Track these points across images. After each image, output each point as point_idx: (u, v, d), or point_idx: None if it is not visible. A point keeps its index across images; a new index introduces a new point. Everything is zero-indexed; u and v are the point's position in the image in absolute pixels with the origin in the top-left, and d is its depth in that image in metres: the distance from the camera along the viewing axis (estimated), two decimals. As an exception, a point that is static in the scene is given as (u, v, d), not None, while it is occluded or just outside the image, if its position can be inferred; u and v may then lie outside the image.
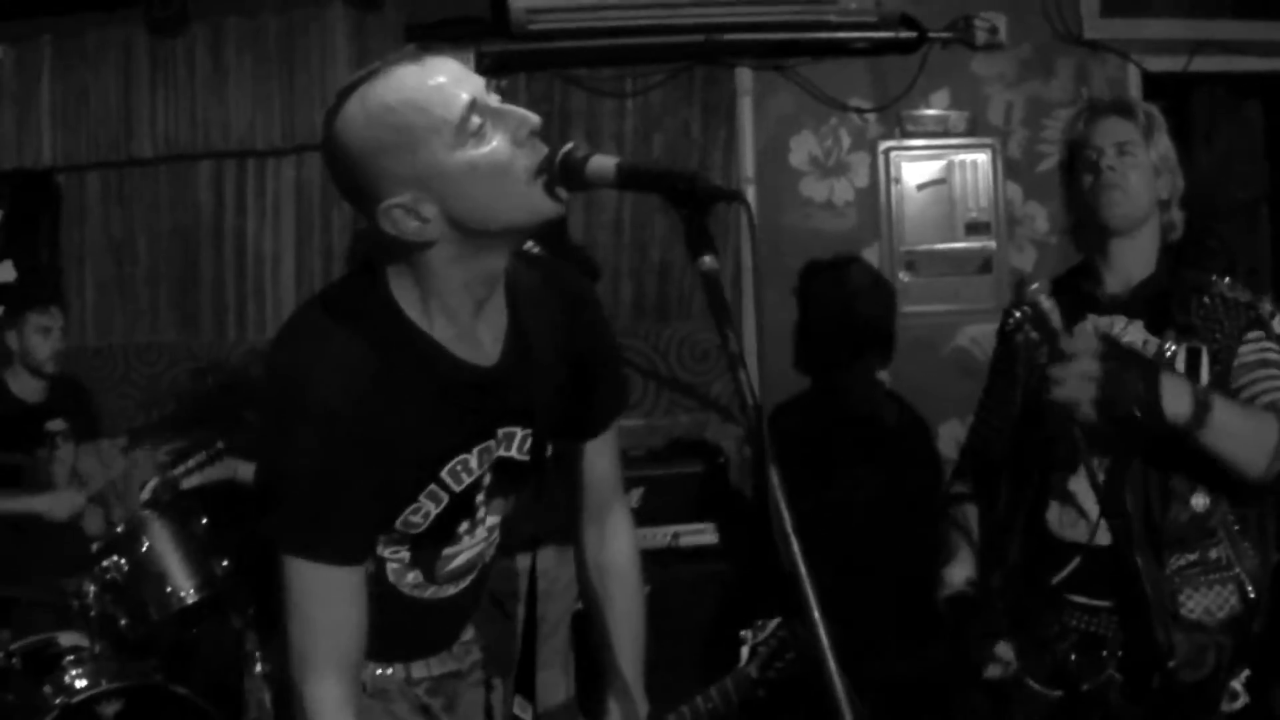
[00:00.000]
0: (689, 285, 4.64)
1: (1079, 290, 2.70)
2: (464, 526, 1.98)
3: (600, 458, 2.17)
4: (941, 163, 4.67)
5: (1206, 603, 2.52)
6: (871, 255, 4.67)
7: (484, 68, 4.27)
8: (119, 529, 3.74)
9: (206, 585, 3.71)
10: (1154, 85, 4.81)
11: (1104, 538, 2.53)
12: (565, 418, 2.05)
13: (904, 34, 4.52)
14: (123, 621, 3.67)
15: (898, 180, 4.64)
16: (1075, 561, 2.58)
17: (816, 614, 1.46)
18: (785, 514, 1.48)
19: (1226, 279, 2.61)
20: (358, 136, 1.67)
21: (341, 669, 1.82)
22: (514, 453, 1.97)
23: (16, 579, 3.86)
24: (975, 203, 4.67)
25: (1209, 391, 2.40)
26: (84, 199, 4.90)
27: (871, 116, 4.66)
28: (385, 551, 1.93)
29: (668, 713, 2.29)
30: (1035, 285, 2.46)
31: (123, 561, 3.66)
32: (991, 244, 4.69)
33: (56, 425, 4.28)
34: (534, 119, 1.70)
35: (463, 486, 1.90)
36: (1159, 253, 2.67)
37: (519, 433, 1.96)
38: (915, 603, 3.07)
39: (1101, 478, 2.52)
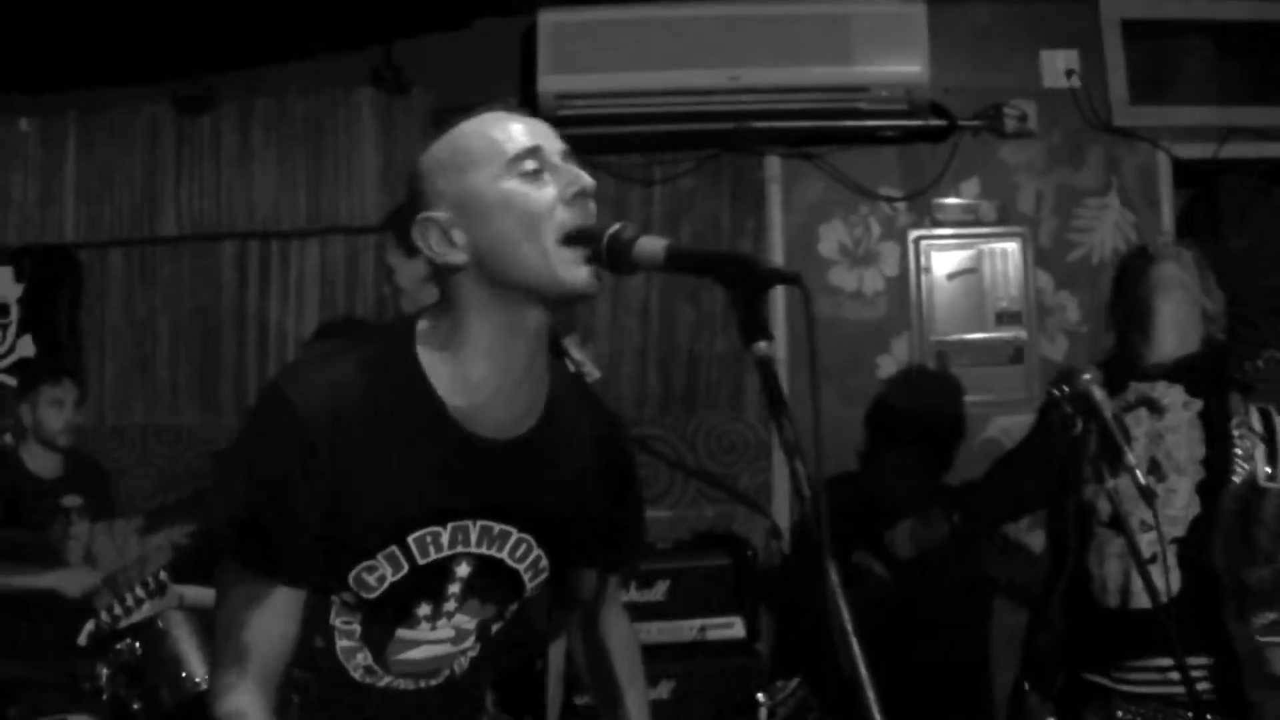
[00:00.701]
0: (717, 375, 4.63)
1: (1121, 358, 2.94)
2: (424, 610, 1.87)
3: (606, 584, 2.12)
4: (972, 251, 4.66)
5: None
6: (901, 345, 4.65)
7: None
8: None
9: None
10: (1184, 172, 4.83)
11: (1160, 595, 2.58)
12: (579, 550, 2.00)
13: (934, 122, 4.52)
14: (135, 705, 3.60)
15: (928, 269, 4.63)
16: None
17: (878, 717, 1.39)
18: (844, 611, 1.40)
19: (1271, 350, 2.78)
20: (428, 155, 1.77)
21: (266, 684, 1.73)
22: (505, 556, 1.88)
23: (26, 658, 3.82)
24: (1006, 292, 4.66)
25: None
26: (106, 276, 4.90)
27: (901, 205, 4.66)
28: (337, 621, 1.84)
29: None
30: (1088, 376, 2.62)
31: (137, 645, 3.59)
32: (1023, 334, 4.67)
33: (72, 501, 4.26)
34: (586, 180, 1.71)
35: (428, 561, 1.80)
36: (1200, 341, 2.92)
37: (514, 536, 1.87)
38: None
39: (1168, 543, 2.66)
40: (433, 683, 1.96)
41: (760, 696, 2.43)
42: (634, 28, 4.19)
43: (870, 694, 1.37)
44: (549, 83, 4.17)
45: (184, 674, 3.60)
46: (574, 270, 1.67)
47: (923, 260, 4.65)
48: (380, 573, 1.78)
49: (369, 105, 4.62)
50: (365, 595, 1.79)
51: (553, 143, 1.74)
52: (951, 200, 4.69)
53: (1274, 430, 2.76)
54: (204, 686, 3.58)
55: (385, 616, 1.84)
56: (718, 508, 4.56)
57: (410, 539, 1.78)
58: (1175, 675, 2.52)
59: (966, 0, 4.63)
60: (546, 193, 1.69)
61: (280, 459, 1.70)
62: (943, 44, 4.38)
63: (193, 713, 3.68)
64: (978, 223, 4.67)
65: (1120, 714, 2.76)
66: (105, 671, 3.56)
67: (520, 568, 1.90)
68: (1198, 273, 2.96)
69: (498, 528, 1.85)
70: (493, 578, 1.89)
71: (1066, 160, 4.74)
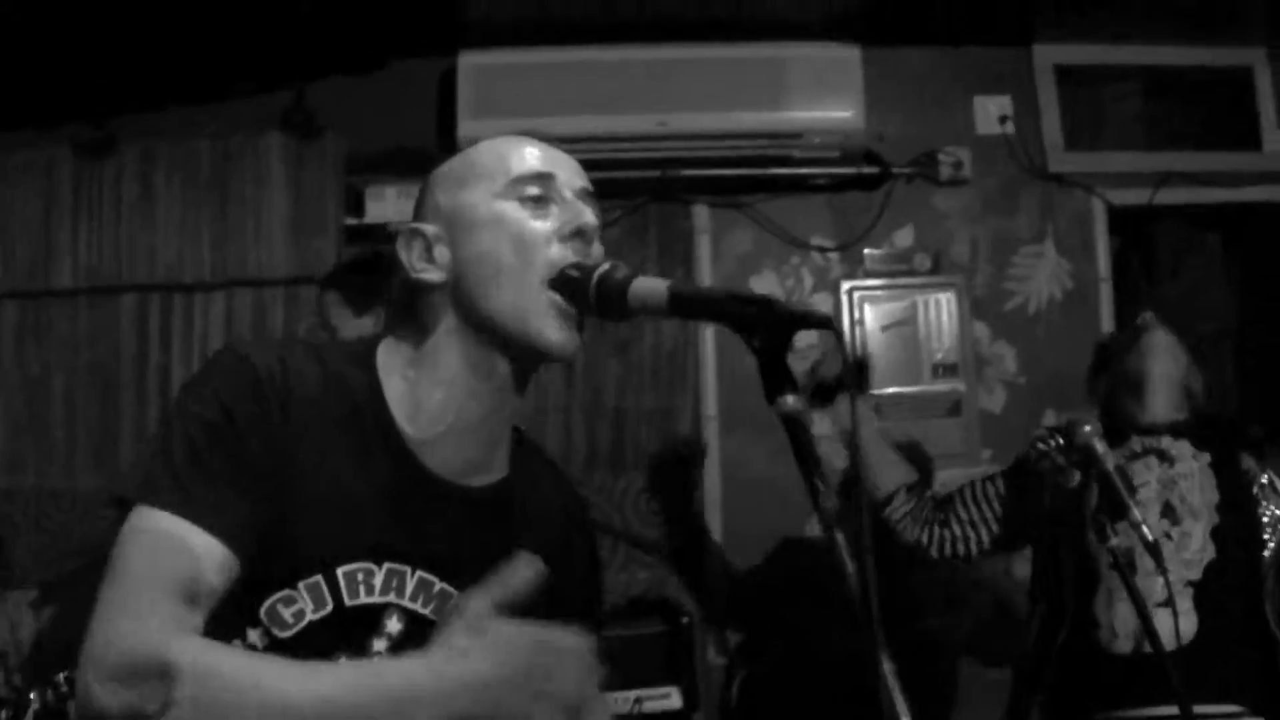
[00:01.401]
0: (645, 433, 4.47)
1: (1116, 421, 2.94)
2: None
3: None
4: (906, 302, 4.53)
5: None
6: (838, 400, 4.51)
7: None
8: (33, 701, 3.43)
9: None
10: (1119, 218, 4.78)
11: (1170, 641, 2.57)
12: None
13: (867, 170, 4.43)
14: None
15: (861, 321, 4.50)
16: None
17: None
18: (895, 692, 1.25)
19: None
20: (437, 169, 1.65)
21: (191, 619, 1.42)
22: (432, 613, 1.60)
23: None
24: (941, 343, 4.55)
25: None
26: (-1, 330, 4.64)
27: (834, 255, 4.55)
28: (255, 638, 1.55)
29: None
30: (1089, 428, 2.64)
31: None
32: (960, 386, 4.56)
33: (-46, 572, 4.02)
34: (589, 218, 1.56)
35: (355, 604, 1.54)
36: (1190, 411, 3.01)
37: (454, 599, 1.58)
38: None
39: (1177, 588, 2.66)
40: None
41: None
42: (559, 71, 4.05)
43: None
44: (469, 128, 4.00)
45: None
46: (551, 324, 1.52)
47: (856, 312, 4.53)
48: (299, 606, 1.52)
49: (278, 151, 4.41)
50: (277, 633, 1.52)
51: (572, 177, 1.60)
52: (885, 250, 4.58)
53: None
54: None
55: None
56: (650, 571, 4.40)
57: (340, 571, 1.54)
58: None
59: (900, 45, 4.52)
60: (545, 224, 1.54)
61: (232, 400, 1.49)
62: (876, 90, 4.30)
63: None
64: (911, 272, 4.57)
65: None
66: None
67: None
68: (1183, 349, 3.03)
69: (438, 585, 1.60)
70: (425, 640, 1.56)
71: (1001, 208, 4.67)
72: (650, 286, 1.44)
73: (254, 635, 1.51)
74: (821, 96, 4.11)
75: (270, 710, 1.33)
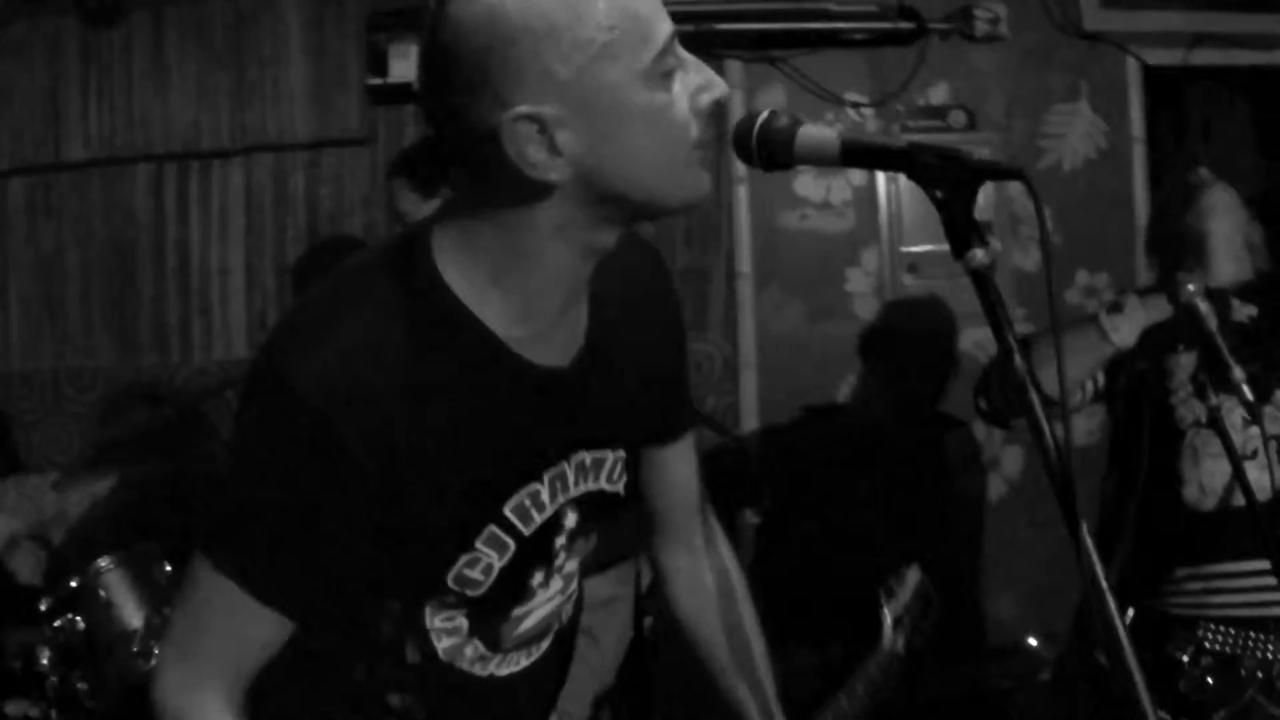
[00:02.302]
0: (681, 294, 4.41)
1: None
2: (538, 578, 1.59)
3: (682, 465, 1.81)
4: (942, 159, 4.50)
5: None
6: (871, 257, 4.50)
7: None
8: (71, 583, 3.37)
9: None
10: (1152, 78, 4.74)
11: (1263, 493, 2.50)
12: (644, 426, 1.70)
13: (902, 25, 4.37)
14: (81, 686, 3.25)
15: (896, 178, 4.46)
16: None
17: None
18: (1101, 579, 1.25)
19: None
20: (523, 8, 1.27)
21: (230, 685, 1.47)
22: (604, 484, 1.60)
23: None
24: (977, 202, 4.52)
25: None
26: (6, 208, 4.51)
27: (869, 111, 4.49)
28: (435, 621, 1.54)
29: None
30: (1192, 287, 2.58)
31: (78, 620, 3.21)
32: (995, 243, 4.53)
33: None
34: (724, 90, 1.38)
35: (533, 528, 1.51)
36: (1253, 271, 2.93)
37: (609, 457, 1.59)
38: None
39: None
40: (546, 644, 1.70)
41: (882, 597, 2.15)
42: None
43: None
44: None
45: (134, 649, 3.26)
46: (699, 178, 1.38)
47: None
48: (485, 563, 1.49)
49: (296, 11, 4.30)
50: (471, 593, 1.50)
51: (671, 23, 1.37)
52: (920, 105, 4.53)
53: None
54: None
55: (497, 602, 1.55)
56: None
57: (507, 510, 1.48)
58: (1272, 580, 2.39)
59: (937, -104, 4.47)
60: (683, 99, 1.34)
61: (299, 472, 1.36)
62: (914, -57, 4.23)
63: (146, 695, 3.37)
64: (947, 129, 4.50)
65: (1208, 643, 2.65)
66: (47, 654, 3.24)
67: (619, 488, 1.63)
68: (1241, 203, 2.94)
69: (590, 457, 1.57)
70: (595, 509, 1.62)
71: (1036, 65, 4.62)
72: (820, 136, 1.38)
73: (450, 598, 1.51)
74: (861, -53, 4.03)
75: None
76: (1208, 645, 2.64)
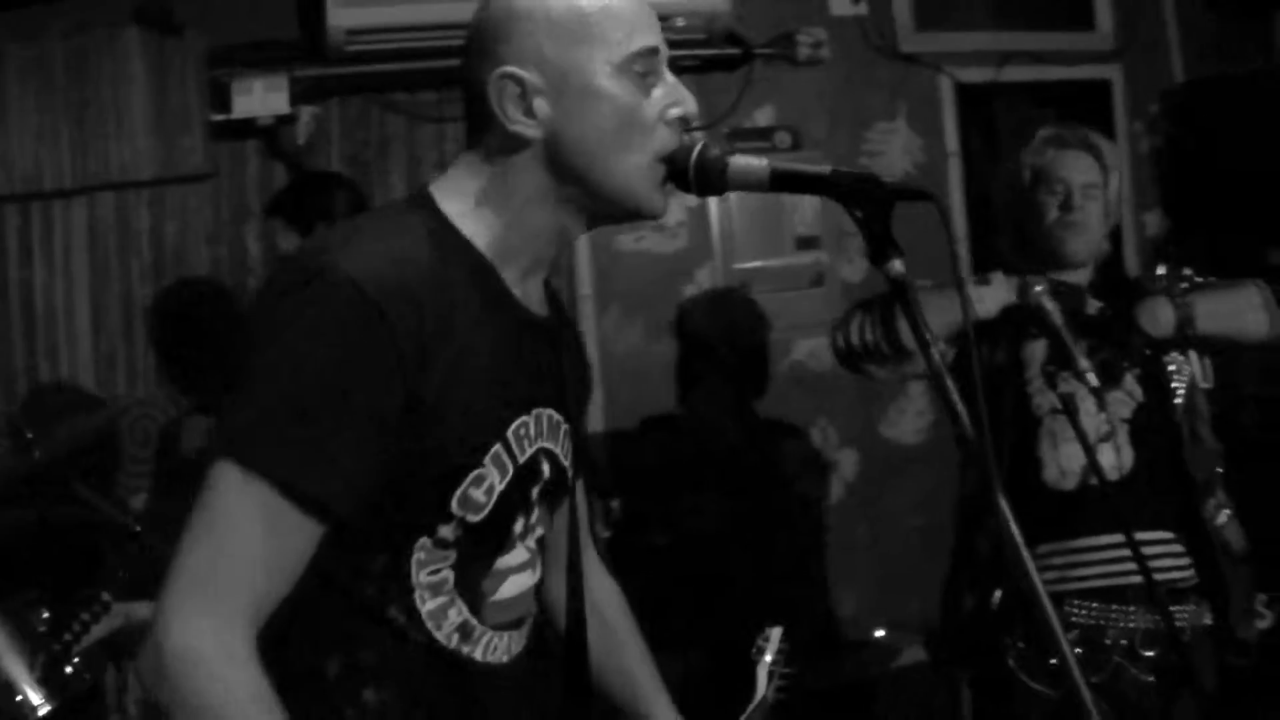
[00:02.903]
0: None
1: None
2: (519, 526, 1.66)
3: (580, 496, 1.97)
4: (770, 178, 4.72)
5: (1235, 531, 2.96)
6: (705, 275, 4.71)
7: (297, 94, 4.17)
8: None
9: (60, 690, 3.16)
10: (964, 95, 5.06)
11: (1113, 473, 2.88)
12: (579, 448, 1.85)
13: (729, 50, 4.59)
14: None
15: (727, 198, 4.68)
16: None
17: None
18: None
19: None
20: (539, 5, 1.57)
21: (251, 624, 1.43)
22: (558, 451, 1.71)
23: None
24: (803, 217, 4.78)
25: (1183, 291, 2.91)
26: None
27: (699, 134, 4.66)
28: (421, 575, 1.56)
29: None
30: (1040, 288, 2.86)
31: None
32: (823, 257, 4.80)
33: None
34: (693, 107, 1.62)
35: (525, 458, 1.62)
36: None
37: (562, 427, 1.72)
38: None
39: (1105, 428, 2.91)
40: (523, 632, 1.73)
41: (755, 655, 2.40)
42: None
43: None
44: (339, 16, 3.99)
45: (18, 699, 3.09)
46: (657, 196, 1.59)
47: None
48: (489, 482, 1.57)
49: (137, 47, 4.28)
50: (472, 518, 1.57)
51: (665, 48, 1.62)
52: (747, 127, 4.76)
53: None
54: (42, 713, 3.07)
55: (486, 543, 1.62)
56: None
57: (509, 432, 1.60)
58: (1128, 553, 2.73)
59: (762, -72, 4.70)
60: (655, 105, 1.58)
61: (350, 349, 1.43)
62: (738, -28, 4.44)
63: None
64: (773, 149, 4.74)
65: (1074, 617, 2.91)
66: None
67: (567, 464, 1.76)
68: (1110, 176, 3.13)
69: (552, 415, 1.71)
70: (556, 477, 1.73)
71: (856, 86, 4.89)
72: (749, 165, 1.59)
73: (446, 530, 1.56)
74: (690, -21, 4.23)
75: None
76: (1074, 619, 2.89)
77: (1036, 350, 2.99)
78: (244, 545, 1.41)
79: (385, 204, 1.66)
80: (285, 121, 4.22)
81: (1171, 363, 3.03)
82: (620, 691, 2.03)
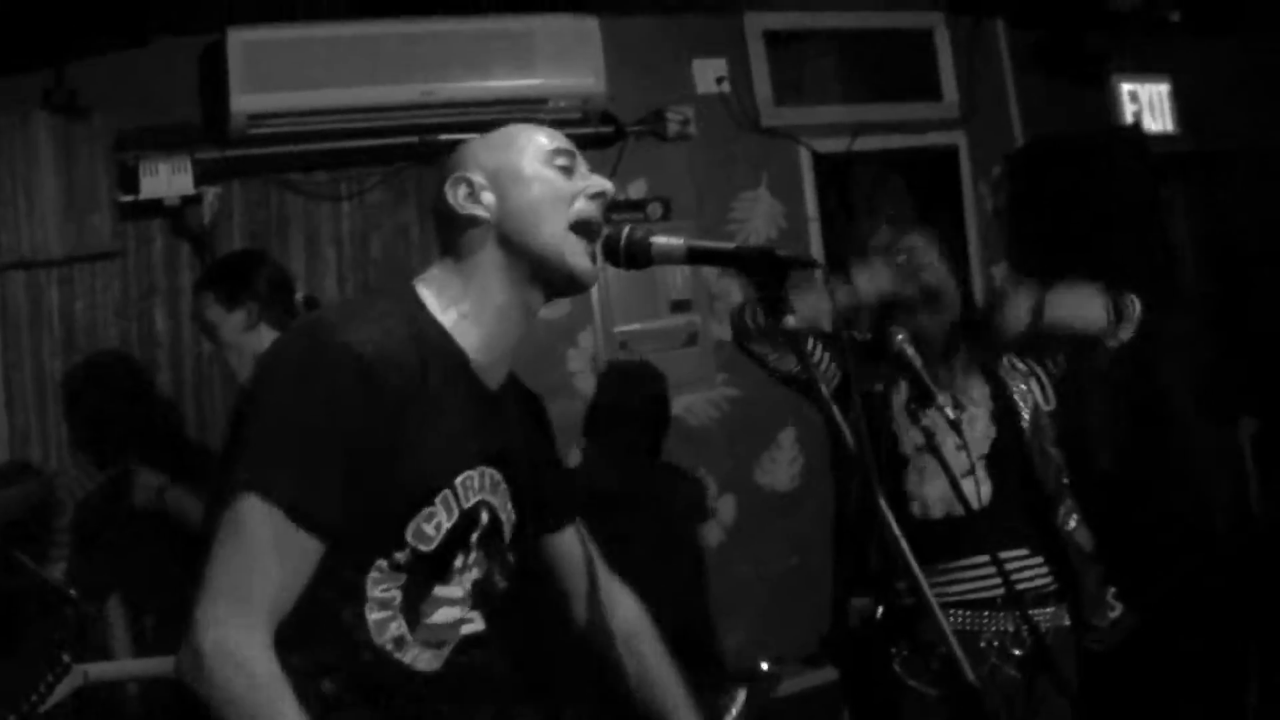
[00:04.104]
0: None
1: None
2: (459, 562, 2.00)
3: (575, 546, 2.37)
4: (644, 247, 5.09)
5: (1084, 534, 3.39)
6: (587, 338, 5.09)
7: (200, 175, 4.41)
8: None
9: None
10: (823, 164, 5.52)
11: (975, 502, 3.30)
12: (538, 504, 2.22)
13: (603, 129, 4.98)
14: None
15: (605, 267, 5.02)
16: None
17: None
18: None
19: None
20: (473, 140, 2.08)
21: (268, 627, 1.77)
22: (499, 507, 2.07)
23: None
24: (676, 283, 5.19)
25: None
26: None
27: (625, 223, 5.00)
28: (375, 590, 1.91)
29: None
30: (901, 337, 3.30)
31: None
32: (695, 319, 5.23)
33: None
34: (609, 186, 2.08)
35: (469, 504, 1.98)
36: None
37: (502, 485, 2.07)
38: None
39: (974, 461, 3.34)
40: (445, 653, 2.05)
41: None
42: (327, 45, 4.37)
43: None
44: (242, 102, 4.28)
45: None
46: (580, 257, 2.01)
47: (599, 258, 5.04)
48: (438, 520, 1.93)
49: (45, 131, 4.43)
50: (422, 548, 1.92)
51: (583, 160, 2.09)
52: (621, 199, 5.08)
53: (1031, 367, 3.51)
54: None
55: (430, 572, 1.97)
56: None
57: (457, 481, 1.96)
58: (994, 570, 3.22)
59: (630, 14, 5.08)
60: (574, 185, 2.04)
61: (346, 399, 1.79)
62: (610, 55, 4.80)
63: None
64: (646, 219, 5.12)
65: (952, 625, 3.32)
66: None
67: (504, 519, 2.10)
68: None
69: (498, 475, 2.06)
70: (493, 527, 2.07)
71: (721, 159, 5.32)
72: (670, 243, 2.01)
73: (400, 556, 1.91)
74: (567, 64, 4.62)
75: None
76: (956, 628, 3.29)
77: (899, 393, 3.43)
78: (264, 563, 1.76)
79: (375, 290, 2.12)
80: (190, 201, 4.44)
81: (1015, 392, 3.47)
82: (657, 710, 2.38)
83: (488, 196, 2.01)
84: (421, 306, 2.00)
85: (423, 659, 2.01)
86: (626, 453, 4.57)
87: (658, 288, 5.18)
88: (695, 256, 2.00)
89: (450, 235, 2.05)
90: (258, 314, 3.61)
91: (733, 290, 5.20)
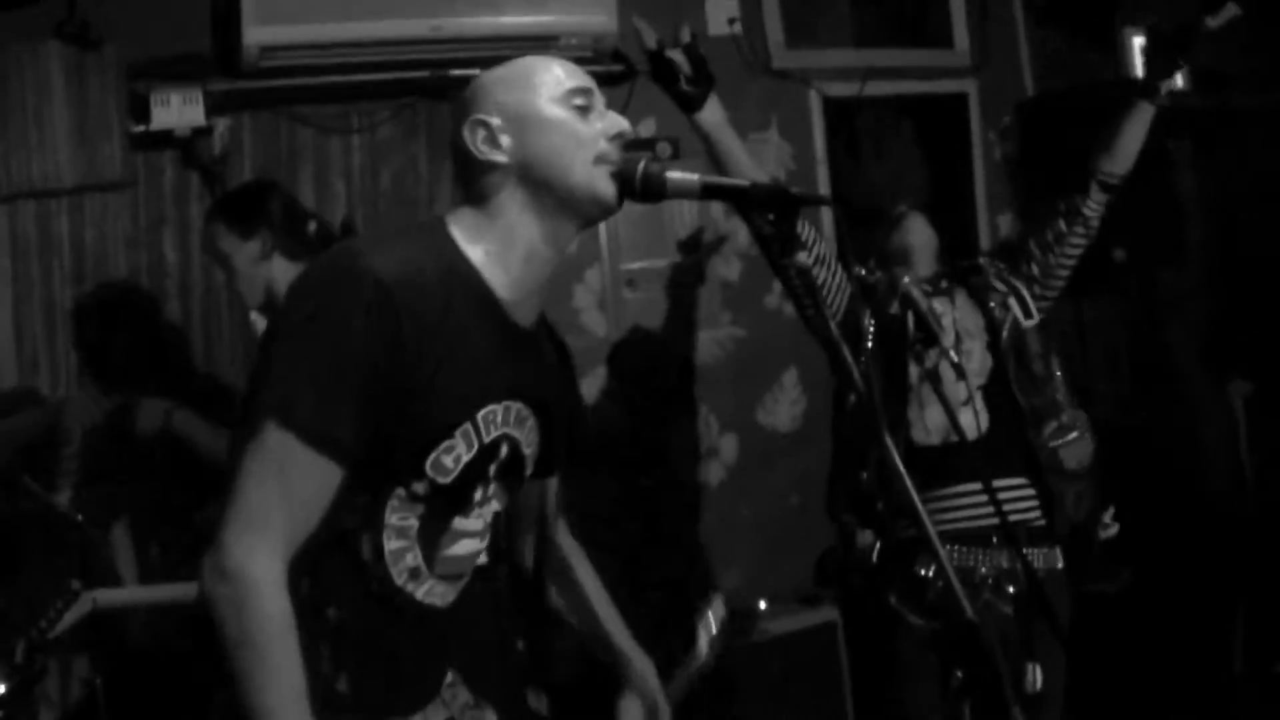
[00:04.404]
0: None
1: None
2: (478, 495, 2.04)
3: (549, 487, 2.42)
4: (653, 186, 5.13)
5: (1078, 455, 3.48)
6: (594, 275, 5.11)
7: (212, 106, 4.43)
8: None
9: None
10: (833, 107, 5.54)
11: (972, 432, 3.43)
12: (557, 440, 2.23)
13: (614, 67, 4.97)
14: None
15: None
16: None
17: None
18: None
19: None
20: (487, 73, 2.06)
21: (288, 553, 1.81)
22: (521, 439, 2.08)
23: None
24: (684, 222, 5.22)
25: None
26: None
27: (642, 154, 5.04)
28: (393, 518, 1.94)
29: None
30: (908, 279, 3.47)
31: None
32: (703, 258, 5.25)
33: None
34: (627, 126, 2.07)
35: (489, 439, 1.98)
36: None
37: (530, 420, 2.09)
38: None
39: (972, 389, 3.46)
40: (461, 585, 2.11)
41: (699, 620, 2.76)
42: None
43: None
44: (254, 34, 4.28)
45: None
46: (605, 184, 1.98)
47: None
48: (457, 452, 1.94)
49: (58, 61, 4.46)
50: (440, 480, 1.94)
51: (597, 90, 2.08)
52: (631, 138, 5.10)
53: (1009, 283, 3.66)
54: None
55: (448, 504, 2.00)
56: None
57: (479, 415, 1.97)
58: (986, 498, 3.31)
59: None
60: (594, 126, 2.02)
61: (366, 325, 1.80)
62: (625, -5, 4.77)
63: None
64: (656, 159, 5.11)
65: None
66: None
67: (527, 454, 2.13)
68: (929, 223, 3.82)
69: (520, 408, 2.06)
70: (513, 459, 2.09)
71: (731, 100, 5.28)
72: (685, 177, 2.01)
73: (419, 486, 1.94)
74: (577, 1, 4.62)
75: (259, 664, 1.76)
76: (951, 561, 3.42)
77: (907, 330, 3.54)
78: (286, 488, 1.80)
79: (405, 225, 2.19)
80: (201, 133, 4.45)
81: (997, 314, 3.61)
82: (588, 628, 2.50)
83: (506, 140, 2.00)
84: (451, 241, 1.99)
85: (436, 592, 2.06)
86: (632, 396, 4.62)
87: (666, 226, 5.21)
88: (709, 191, 2.01)
89: (470, 177, 2.04)
90: (271, 244, 3.62)
91: (739, 231, 5.22)
